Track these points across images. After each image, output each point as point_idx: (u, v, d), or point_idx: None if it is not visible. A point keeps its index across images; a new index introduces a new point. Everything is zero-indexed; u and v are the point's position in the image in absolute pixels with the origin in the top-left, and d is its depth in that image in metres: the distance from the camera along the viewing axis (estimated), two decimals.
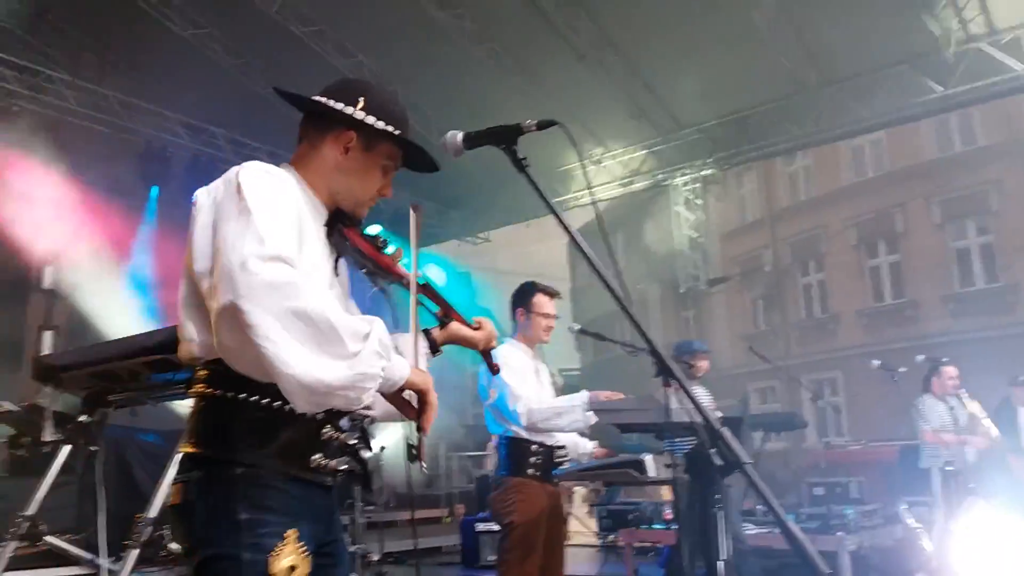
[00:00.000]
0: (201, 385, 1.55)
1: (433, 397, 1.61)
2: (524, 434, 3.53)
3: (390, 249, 1.73)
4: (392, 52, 9.58)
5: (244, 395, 1.50)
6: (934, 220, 15.95)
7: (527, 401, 3.39)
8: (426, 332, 1.85)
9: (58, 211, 10.45)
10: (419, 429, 1.61)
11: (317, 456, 1.55)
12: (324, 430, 1.56)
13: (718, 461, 1.38)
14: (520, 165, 1.63)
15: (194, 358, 1.58)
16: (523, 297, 3.70)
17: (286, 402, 1.49)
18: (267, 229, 1.44)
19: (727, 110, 10.35)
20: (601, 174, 11.55)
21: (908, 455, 7.03)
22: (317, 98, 1.75)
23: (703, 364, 5.36)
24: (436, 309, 1.83)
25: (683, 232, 11.39)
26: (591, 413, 3.61)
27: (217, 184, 1.58)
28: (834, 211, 17.54)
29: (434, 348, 1.85)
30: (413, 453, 1.62)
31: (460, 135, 1.69)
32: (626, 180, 11.55)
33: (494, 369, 1.97)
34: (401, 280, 1.73)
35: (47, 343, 10.93)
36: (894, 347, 13.55)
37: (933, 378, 6.23)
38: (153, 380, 3.52)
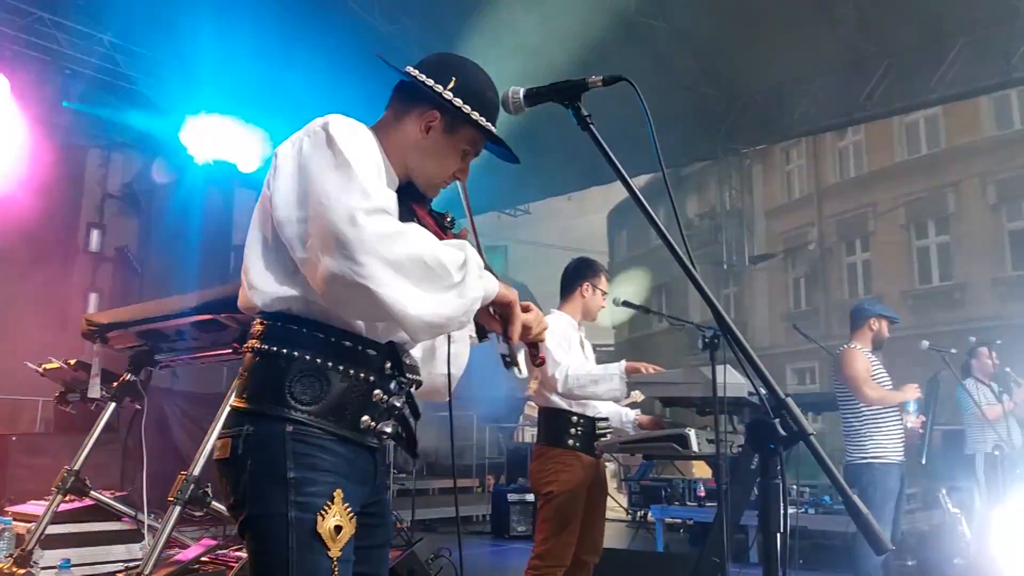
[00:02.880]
0: (255, 340, 1.56)
1: (518, 309, 1.64)
2: (564, 405, 3.50)
3: (456, 229, 1.73)
4: (438, 20, 9.48)
5: (297, 352, 1.51)
6: (988, 200, 15.45)
7: (565, 368, 3.35)
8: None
9: (104, 175, 10.64)
10: (507, 339, 1.64)
11: (366, 417, 1.54)
12: (374, 392, 1.56)
13: (781, 432, 1.31)
14: (584, 122, 1.55)
15: (253, 308, 1.58)
16: (592, 273, 3.71)
17: (338, 361, 1.52)
18: (369, 182, 1.45)
19: (778, 82, 10.07)
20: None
21: (951, 440, 6.87)
22: (410, 70, 1.71)
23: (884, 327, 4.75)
24: None
25: (727, 207, 11.18)
26: (637, 391, 3.55)
27: (300, 136, 1.56)
28: (884, 189, 17.07)
29: (481, 334, 1.81)
30: (507, 360, 1.68)
31: (522, 91, 1.61)
32: (670, 153, 11.35)
33: (539, 360, 1.85)
34: None
35: (92, 305, 11.20)
36: (940, 330, 13.20)
37: (972, 361, 6.10)
38: (198, 340, 3.55)
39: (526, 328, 1.70)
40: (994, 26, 8.51)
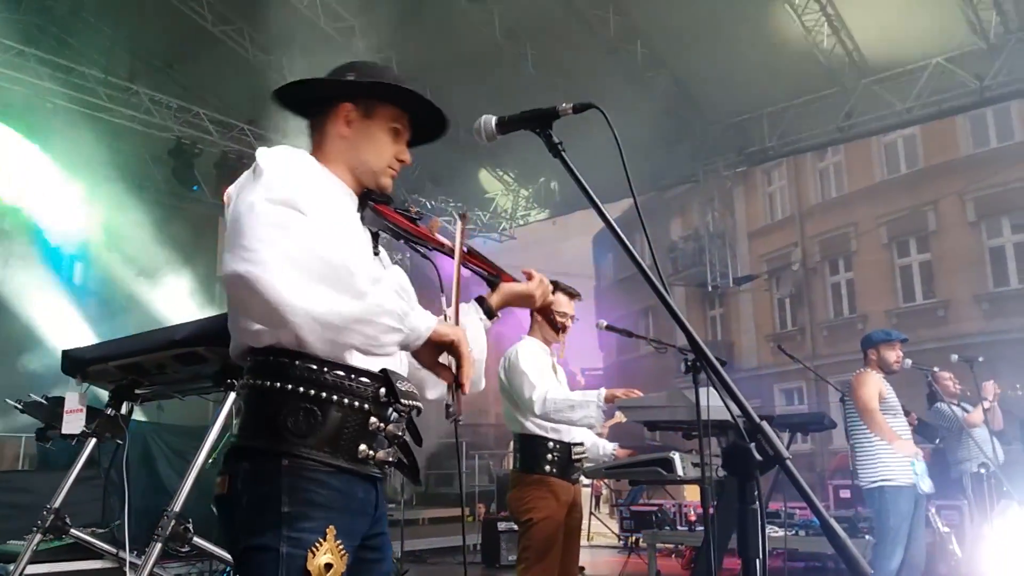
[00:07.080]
0: (249, 376, 1.55)
1: (467, 349, 1.60)
2: (540, 431, 3.46)
3: (425, 222, 1.73)
4: (422, 49, 9.57)
5: (291, 386, 1.50)
6: (968, 218, 15.65)
7: (543, 390, 3.33)
8: (480, 300, 1.82)
9: (89, 208, 10.59)
10: (457, 386, 1.60)
11: (363, 447, 1.53)
12: (371, 420, 1.54)
13: (757, 456, 1.31)
14: (556, 149, 1.58)
15: (244, 349, 1.57)
16: None
17: (332, 392, 1.50)
18: (277, 179, 1.46)
19: (757, 105, 10.21)
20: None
21: (938, 458, 6.87)
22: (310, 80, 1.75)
23: (897, 355, 4.72)
24: (484, 273, 1.80)
25: (710, 229, 11.25)
26: (619, 413, 3.52)
27: (245, 173, 1.59)
28: (865, 209, 17.28)
29: (490, 313, 1.81)
30: (450, 411, 1.61)
31: (494, 120, 1.65)
32: (653, 177, 11.43)
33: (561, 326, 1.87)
34: (442, 247, 1.71)
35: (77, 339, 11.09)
36: (925, 348, 13.26)
37: (935, 385, 6.09)
38: (179, 374, 3.51)
39: (531, 299, 1.78)
40: (967, 47, 8.69)
